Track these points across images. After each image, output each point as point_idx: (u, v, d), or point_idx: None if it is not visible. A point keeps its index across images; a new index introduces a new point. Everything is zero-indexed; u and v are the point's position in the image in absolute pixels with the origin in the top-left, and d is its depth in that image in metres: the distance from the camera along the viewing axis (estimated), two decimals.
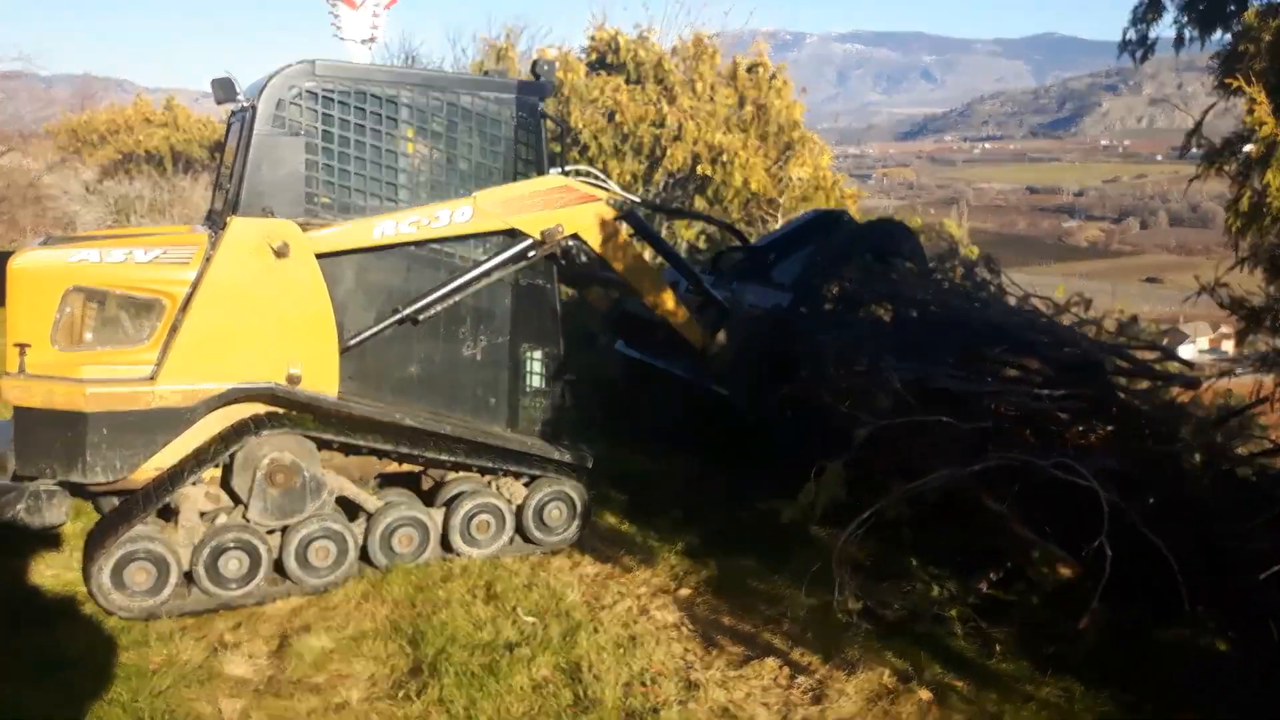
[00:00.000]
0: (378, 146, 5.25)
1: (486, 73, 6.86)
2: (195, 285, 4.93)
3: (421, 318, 5.39)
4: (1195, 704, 4.16)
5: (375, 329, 5.31)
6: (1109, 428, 5.40)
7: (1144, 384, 5.66)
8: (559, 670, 4.38)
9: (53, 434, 4.84)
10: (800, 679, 4.37)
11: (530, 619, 4.85)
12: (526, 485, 5.82)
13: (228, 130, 5.89)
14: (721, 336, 6.40)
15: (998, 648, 4.65)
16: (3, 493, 4.80)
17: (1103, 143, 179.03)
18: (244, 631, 4.80)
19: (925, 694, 4.24)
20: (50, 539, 5.68)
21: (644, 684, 4.30)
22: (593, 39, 14.83)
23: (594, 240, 5.80)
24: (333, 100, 5.13)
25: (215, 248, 4.97)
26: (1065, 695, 4.29)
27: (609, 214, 5.82)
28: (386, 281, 5.37)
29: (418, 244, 5.37)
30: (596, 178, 5.98)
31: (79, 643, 4.59)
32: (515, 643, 4.60)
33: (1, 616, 4.76)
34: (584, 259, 6.02)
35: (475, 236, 5.51)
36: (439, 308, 5.42)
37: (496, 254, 5.53)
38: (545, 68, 5.69)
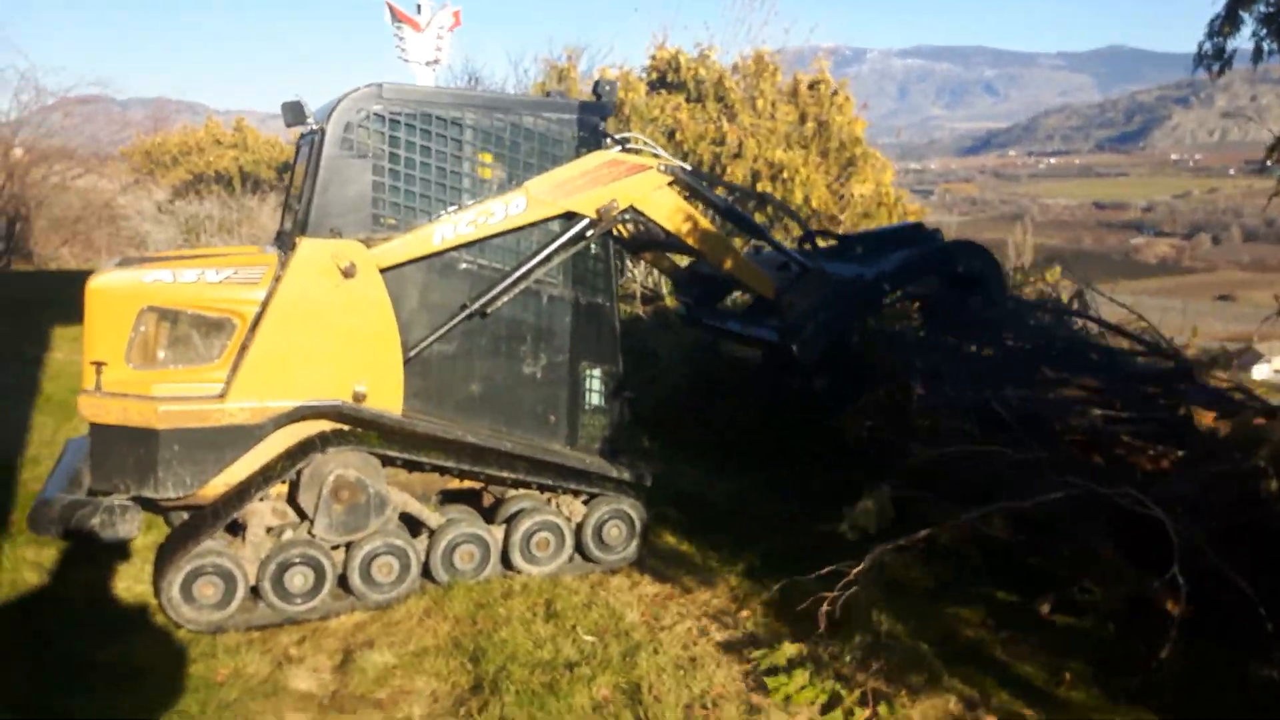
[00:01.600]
0: (442, 168, 5.31)
1: (548, 93, 6.93)
2: (265, 305, 5.02)
3: (489, 310, 5.41)
4: None
5: (442, 329, 5.34)
6: (1180, 452, 5.26)
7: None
8: (619, 690, 4.37)
9: (126, 450, 4.93)
10: (864, 703, 4.30)
11: (590, 638, 4.85)
12: (585, 503, 5.84)
13: (296, 153, 6.01)
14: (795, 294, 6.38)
15: (1068, 676, 4.53)
16: (79, 507, 4.90)
17: (1172, 157, 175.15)
18: (308, 646, 4.87)
19: None
20: (122, 551, 5.82)
21: (704, 707, 4.27)
22: (653, 58, 14.89)
23: (650, 210, 5.82)
24: (399, 123, 5.21)
25: (285, 268, 5.05)
26: None
27: (661, 181, 5.81)
28: (443, 299, 5.40)
29: (477, 244, 5.39)
30: (645, 143, 6.02)
31: (150, 654, 4.69)
32: (575, 662, 4.60)
33: (78, 627, 4.89)
34: (642, 228, 6.08)
35: (531, 226, 5.50)
36: (504, 299, 5.43)
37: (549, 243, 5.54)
38: (606, 88, 5.74)
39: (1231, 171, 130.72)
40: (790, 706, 4.29)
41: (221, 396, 4.98)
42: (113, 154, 27.93)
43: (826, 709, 4.26)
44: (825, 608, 4.43)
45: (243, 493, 5.02)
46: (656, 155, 5.93)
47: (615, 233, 5.86)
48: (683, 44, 14.99)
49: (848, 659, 4.51)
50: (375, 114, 5.17)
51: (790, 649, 4.61)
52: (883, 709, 4.22)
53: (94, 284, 5.01)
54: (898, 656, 4.49)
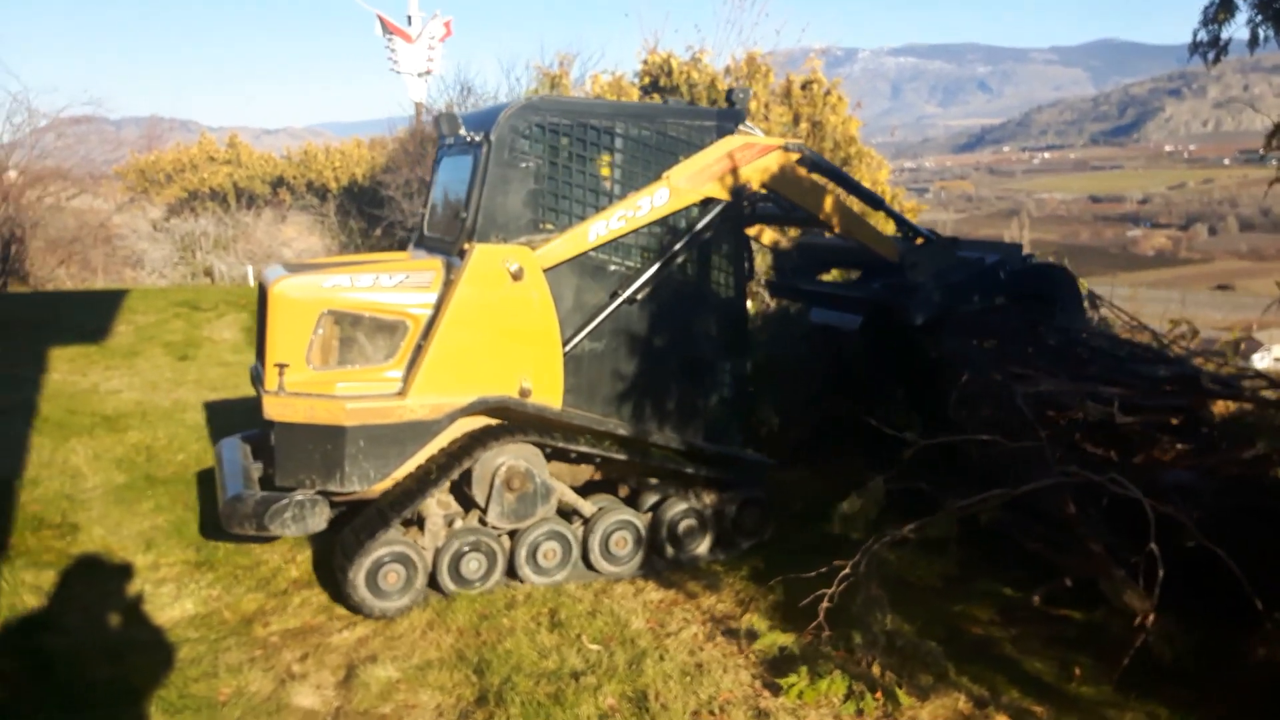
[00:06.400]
0: (596, 175, 5.65)
1: (691, 102, 7.16)
2: (438, 307, 5.35)
3: (639, 298, 5.72)
4: None
5: (594, 322, 5.64)
6: (1183, 444, 5.24)
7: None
8: (625, 699, 4.32)
9: (313, 447, 5.22)
10: (873, 705, 4.26)
11: (595, 647, 4.81)
12: (721, 492, 6.06)
13: (436, 163, 6.47)
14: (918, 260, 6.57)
15: (1078, 671, 4.49)
16: (271, 502, 5.14)
17: (1167, 148, 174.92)
18: (311, 662, 4.82)
19: (1003, 719, 4.10)
20: (123, 571, 5.80)
21: (712, 713, 4.23)
22: (645, 63, 14.86)
23: (783, 187, 6.09)
24: (558, 133, 5.53)
25: (460, 272, 5.33)
26: (1150, 719, 4.13)
27: (790, 159, 6.08)
28: (593, 298, 5.69)
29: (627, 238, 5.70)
30: (755, 132, 6.21)
31: (151, 675, 4.64)
32: (581, 671, 4.55)
33: (78, 650, 4.85)
34: (766, 205, 6.39)
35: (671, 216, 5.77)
36: (649, 288, 5.74)
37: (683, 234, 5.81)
38: (740, 96, 6.05)
39: (1226, 161, 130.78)
40: (802, 707, 4.25)
41: (401, 394, 5.31)
42: (107, 173, 27.91)
43: (837, 705, 4.22)
44: (824, 604, 4.42)
45: (424, 484, 5.28)
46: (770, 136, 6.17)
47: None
48: (674, 48, 14.93)
49: (857, 657, 4.47)
50: (537, 125, 5.48)
51: (795, 647, 4.58)
52: (892, 704, 4.18)
53: (277, 289, 5.29)
54: (906, 654, 4.45)
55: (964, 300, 6.68)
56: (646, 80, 14.70)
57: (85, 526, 6.55)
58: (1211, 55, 4.88)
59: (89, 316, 14.00)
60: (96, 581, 5.73)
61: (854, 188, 6.78)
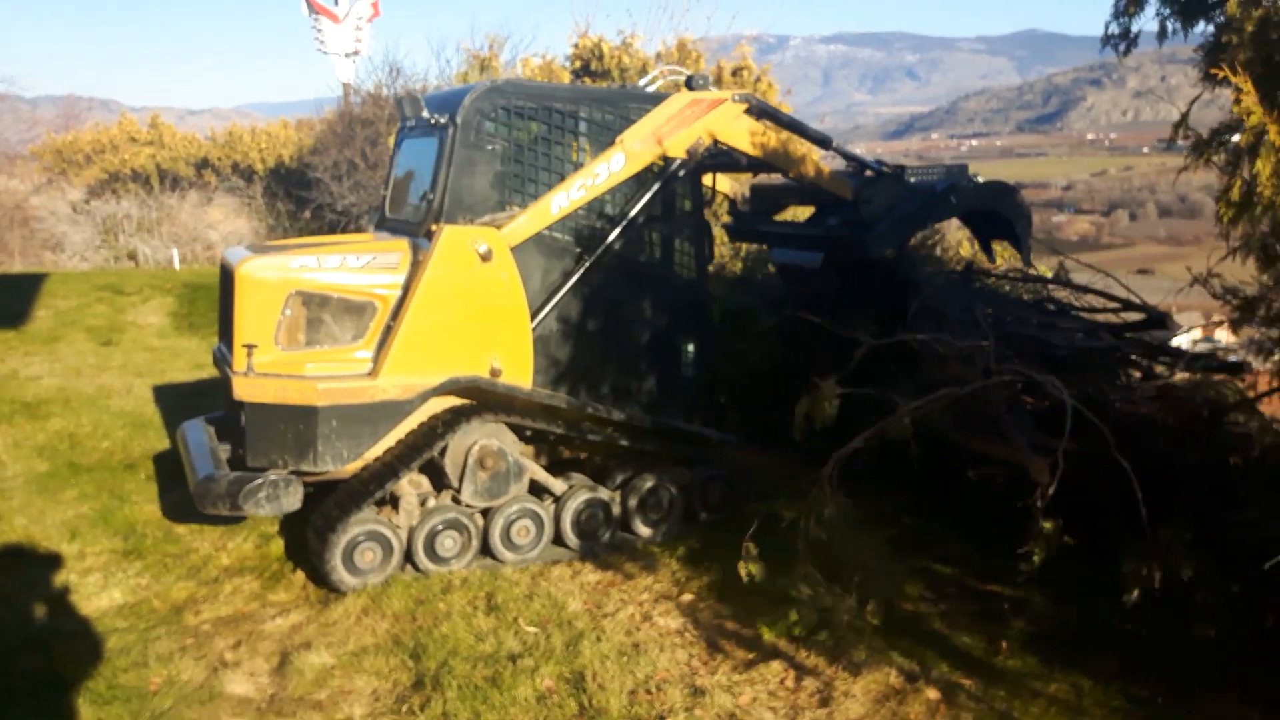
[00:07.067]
0: (560, 158, 5.74)
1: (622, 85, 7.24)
2: (406, 288, 5.40)
3: (602, 276, 5.82)
4: (1213, 697, 4.16)
5: (563, 291, 5.72)
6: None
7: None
8: (563, 680, 4.35)
9: (285, 427, 5.25)
10: (806, 681, 4.35)
11: (532, 629, 4.83)
12: (689, 468, 6.18)
13: (397, 144, 6.50)
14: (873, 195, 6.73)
15: (1005, 644, 4.64)
16: (245, 482, 5.10)
17: (1089, 137, 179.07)
18: (244, 650, 4.76)
19: (933, 693, 4.22)
20: (52, 561, 5.67)
21: (649, 691, 4.28)
22: (576, 46, 14.81)
23: (734, 140, 6.20)
24: (523, 116, 5.64)
25: (429, 254, 5.37)
26: (1074, 690, 4.27)
27: (738, 110, 6.18)
28: (558, 278, 5.76)
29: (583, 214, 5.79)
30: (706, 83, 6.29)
31: (78, 665, 4.55)
32: (518, 654, 4.57)
33: (2, 641, 4.73)
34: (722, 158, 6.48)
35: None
36: (613, 261, 5.85)
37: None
38: (700, 81, 6.13)
39: (1145, 150, 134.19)
40: (738, 684, 4.32)
41: (372, 374, 5.36)
42: (22, 154, 27.01)
43: (772, 681, 4.30)
44: (745, 577, 4.55)
45: (397, 464, 5.34)
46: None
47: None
48: (605, 32, 14.94)
49: (792, 633, 4.56)
50: (503, 108, 5.57)
51: (732, 625, 4.63)
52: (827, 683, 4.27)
53: (244, 270, 5.27)
54: (839, 631, 4.54)
55: (918, 228, 7.02)
56: (578, 64, 14.66)
57: (6, 516, 6.38)
58: (1123, 47, 5.04)
59: (6, 301, 13.57)
60: (20, 572, 5.59)
61: (803, 131, 6.87)
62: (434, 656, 4.55)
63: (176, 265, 18.83)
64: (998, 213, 7.18)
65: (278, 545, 5.97)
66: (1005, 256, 8.89)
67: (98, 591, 5.38)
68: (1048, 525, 4.16)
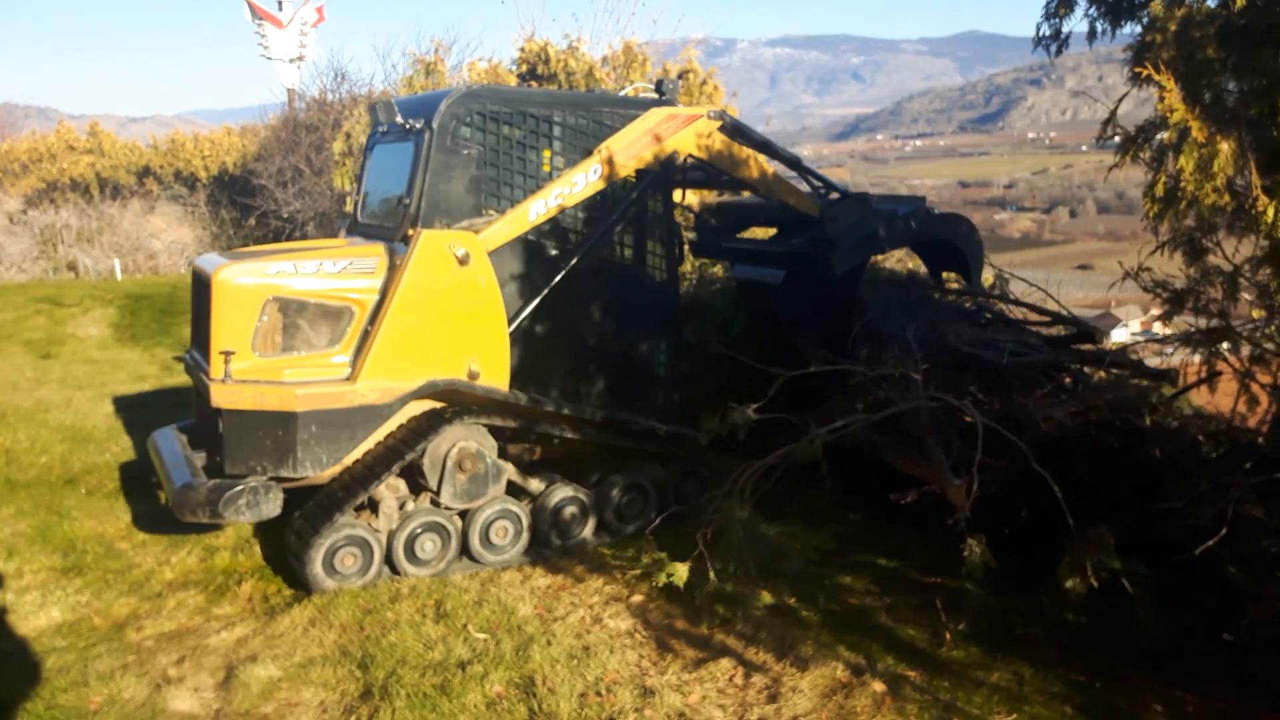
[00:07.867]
0: (536, 163, 5.80)
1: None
2: (384, 293, 5.42)
3: (577, 280, 5.88)
4: (1148, 681, 4.26)
5: (540, 296, 5.79)
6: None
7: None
8: (512, 685, 4.34)
9: (263, 433, 5.23)
10: (755, 678, 4.38)
11: (482, 635, 4.81)
12: (663, 465, 6.24)
13: (369, 149, 6.51)
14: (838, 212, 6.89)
15: (948, 636, 4.71)
16: (225, 489, 5.05)
17: (1029, 135, 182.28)
18: (188, 665, 4.68)
19: (879, 686, 4.27)
20: None
21: (599, 694, 4.28)
22: (523, 50, 14.78)
23: (708, 155, 6.33)
24: (498, 121, 5.65)
25: (406, 258, 5.38)
26: (1015, 678, 4.36)
27: (712, 127, 6.31)
28: (534, 283, 5.83)
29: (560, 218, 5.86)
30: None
31: (15, 685, 4.44)
32: (467, 660, 4.55)
33: None
34: (694, 173, 6.64)
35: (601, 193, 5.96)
36: (588, 266, 5.92)
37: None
38: (670, 86, 6.27)
39: (1084, 148, 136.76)
40: (687, 683, 4.34)
41: (351, 379, 5.36)
42: None
43: (722, 680, 4.33)
44: (699, 537, 4.70)
45: (376, 469, 5.33)
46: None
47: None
48: (551, 36, 14.95)
49: (740, 631, 4.59)
50: (478, 113, 5.60)
51: (681, 624, 4.66)
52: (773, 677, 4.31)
53: (220, 277, 5.27)
54: (786, 627, 4.59)
55: (879, 249, 7.23)
56: (524, 68, 14.63)
57: None
58: (1054, 48, 5.15)
59: None
60: None
61: (774, 151, 7.02)
62: (382, 666, 4.51)
63: (119, 275, 18.47)
64: (951, 243, 7.45)
65: (223, 558, 5.89)
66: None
67: (35, 610, 5.27)
68: (975, 543, 4.31)
